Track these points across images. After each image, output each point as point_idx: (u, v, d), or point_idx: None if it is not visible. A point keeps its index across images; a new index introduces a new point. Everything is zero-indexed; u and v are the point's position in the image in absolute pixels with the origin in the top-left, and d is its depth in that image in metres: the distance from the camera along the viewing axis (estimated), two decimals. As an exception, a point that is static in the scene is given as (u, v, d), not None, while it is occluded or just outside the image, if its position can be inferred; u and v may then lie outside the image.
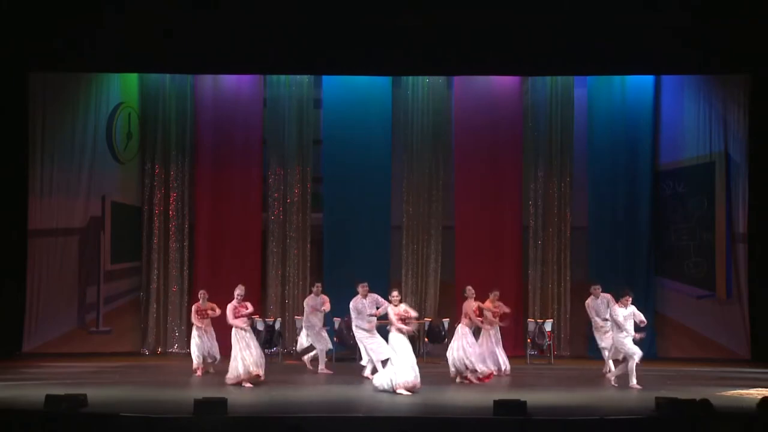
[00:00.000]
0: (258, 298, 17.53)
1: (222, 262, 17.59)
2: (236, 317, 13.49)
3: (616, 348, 13.85)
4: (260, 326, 16.41)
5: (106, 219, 17.64)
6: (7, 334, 16.64)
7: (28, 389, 12.40)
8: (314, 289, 15.27)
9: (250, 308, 13.79)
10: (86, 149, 17.53)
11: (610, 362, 14.43)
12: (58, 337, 17.13)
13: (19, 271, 16.96)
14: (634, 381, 13.33)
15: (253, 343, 13.52)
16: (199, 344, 14.55)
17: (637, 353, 13.36)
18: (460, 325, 14.06)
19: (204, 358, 14.57)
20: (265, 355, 16.30)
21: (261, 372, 13.33)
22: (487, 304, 14.81)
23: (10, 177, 16.86)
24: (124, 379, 14.06)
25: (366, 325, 13.98)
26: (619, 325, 13.45)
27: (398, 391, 12.55)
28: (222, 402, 10.32)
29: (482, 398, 11.57)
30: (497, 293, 15.09)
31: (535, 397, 11.33)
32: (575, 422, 10.38)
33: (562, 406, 11.61)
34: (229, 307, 13.56)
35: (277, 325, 16.64)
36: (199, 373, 14.46)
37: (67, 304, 17.33)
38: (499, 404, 10.42)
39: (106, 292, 17.59)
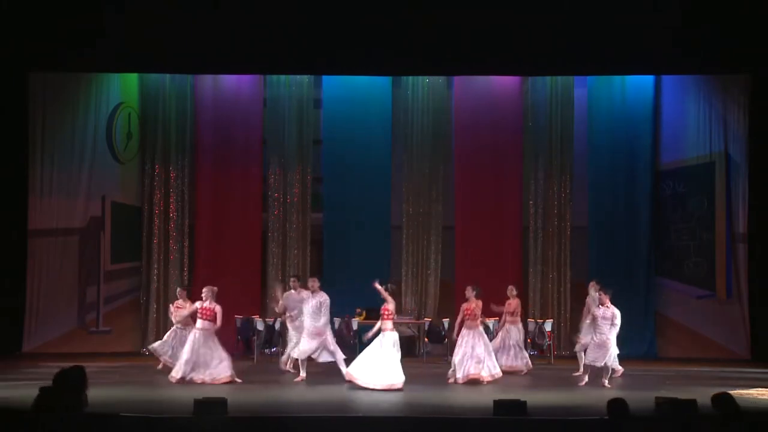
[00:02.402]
0: (258, 298, 17.57)
1: (222, 262, 17.58)
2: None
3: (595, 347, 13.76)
4: (260, 326, 16.41)
5: (106, 219, 17.64)
6: (7, 334, 16.64)
7: (28, 389, 12.38)
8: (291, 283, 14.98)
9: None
10: (86, 149, 17.53)
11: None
12: (58, 337, 17.12)
13: (19, 271, 16.96)
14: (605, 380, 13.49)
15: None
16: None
17: (613, 354, 13.44)
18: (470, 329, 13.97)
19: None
20: (265, 354, 16.41)
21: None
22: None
23: (10, 177, 16.85)
24: (124, 379, 14.05)
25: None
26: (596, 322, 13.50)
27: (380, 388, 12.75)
28: (222, 402, 10.30)
29: (482, 398, 11.57)
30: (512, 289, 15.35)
31: (535, 397, 11.32)
32: (575, 422, 10.36)
33: (562, 406, 11.61)
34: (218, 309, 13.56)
35: (277, 325, 16.63)
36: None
37: (67, 304, 17.33)
38: (499, 404, 10.39)
39: (106, 292, 17.59)
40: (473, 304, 13.80)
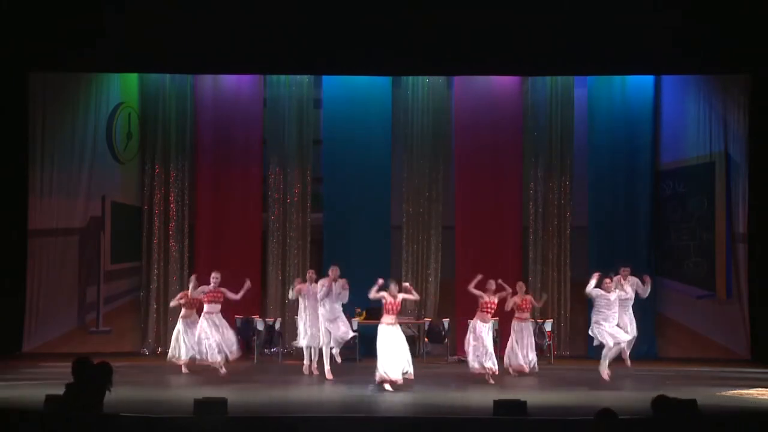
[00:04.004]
0: (258, 298, 17.57)
1: (222, 262, 17.52)
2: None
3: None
4: (260, 326, 16.41)
5: (106, 219, 17.63)
6: (7, 334, 16.64)
7: (28, 389, 12.40)
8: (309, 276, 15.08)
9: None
10: (86, 149, 17.52)
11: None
12: (58, 337, 17.11)
13: (19, 271, 16.95)
14: (605, 369, 13.49)
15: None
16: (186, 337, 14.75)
17: (610, 341, 13.55)
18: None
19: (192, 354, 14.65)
20: (265, 354, 16.42)
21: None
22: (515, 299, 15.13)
23: (10, 177, 16.85)
24: (124, 379, 14.02)
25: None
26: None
27: (381, 385, 12.80)
28: (222, 402, 10.32)
29: (482, 398, 11.58)
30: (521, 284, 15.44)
31: (535, 397, 11.33)
32: (575, 422, 10.37)
33: (562, 406, 11.61)
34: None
35: (277, 325, 16.65)
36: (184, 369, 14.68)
37: (67, 304, 17.32)
38: (499, 404, 10.41)
39: (106, 292, 17.58)
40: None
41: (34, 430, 10.00)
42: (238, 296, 14.61)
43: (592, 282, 14.23)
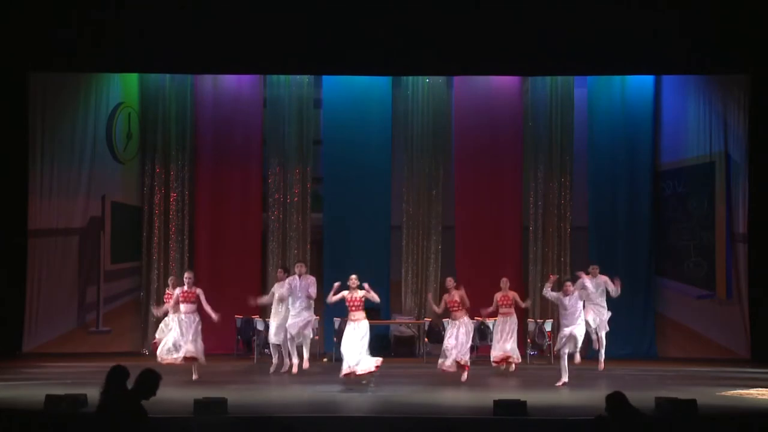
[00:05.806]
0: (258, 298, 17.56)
1: (222, 262, 17.59)
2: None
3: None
4: (260, 326, 16.41)
5: (106, 219, 17.64)
6: (7, 334, 16.64)
7: (28, 389, 12.40)
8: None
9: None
10: (86, 149, 17.53)
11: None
12: (58, 337, 17.12)
13: (19, 271, 16.96)
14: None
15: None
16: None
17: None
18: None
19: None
20: (265, 354, 16.40)
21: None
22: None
23: (10, 177, 16.85)
24: (124, 379, 14.01)
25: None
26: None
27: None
28: (222, 402, 10.33)
29: (482, 398, 11.58)
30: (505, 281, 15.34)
31: (535, 397, 11.33)
32: (575, 422, 10.37)
33: (562, 406, 11.61)
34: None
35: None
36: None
37: (67, 304, 17.32)
38: (499, 404, 10.42)
39: (106, 292, 17.58)
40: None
41: (35, 430, 10.00)
42: (207, 308, 13.93)
43: (547, 286, 14.18)
